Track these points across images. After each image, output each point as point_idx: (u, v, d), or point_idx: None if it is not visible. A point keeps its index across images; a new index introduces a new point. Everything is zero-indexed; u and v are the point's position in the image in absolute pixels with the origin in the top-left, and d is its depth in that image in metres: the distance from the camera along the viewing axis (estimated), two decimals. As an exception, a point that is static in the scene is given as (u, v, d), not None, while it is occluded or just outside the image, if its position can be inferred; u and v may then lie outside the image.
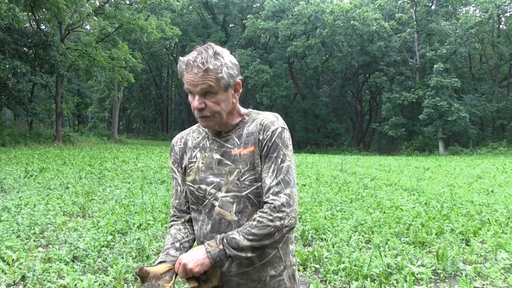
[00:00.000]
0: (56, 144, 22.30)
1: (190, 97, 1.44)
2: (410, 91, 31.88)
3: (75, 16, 24.51)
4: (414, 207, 6.73)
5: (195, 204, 1.53)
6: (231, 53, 1.49)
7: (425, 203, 7.13)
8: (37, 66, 22.40)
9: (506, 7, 30.82)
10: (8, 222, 5.15)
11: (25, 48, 22.52)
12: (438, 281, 3.78)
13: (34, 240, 4.64)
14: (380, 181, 10.56)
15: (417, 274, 3.74)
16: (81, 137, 27.50)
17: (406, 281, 3.56)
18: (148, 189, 8.25)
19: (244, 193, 1.42)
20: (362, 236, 5.03)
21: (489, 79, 37.29)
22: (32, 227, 5.05)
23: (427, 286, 3.60)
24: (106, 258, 4.03)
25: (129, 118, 52.67)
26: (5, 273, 3.63)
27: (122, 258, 4.05)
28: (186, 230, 1.57)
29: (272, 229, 1.34)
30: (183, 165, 1.56)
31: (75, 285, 3.39)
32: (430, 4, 32.77)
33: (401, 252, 4.35)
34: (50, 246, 4.48)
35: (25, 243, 4.48)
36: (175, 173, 1.62)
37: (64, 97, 26.74)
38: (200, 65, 1.35)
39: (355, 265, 3.88)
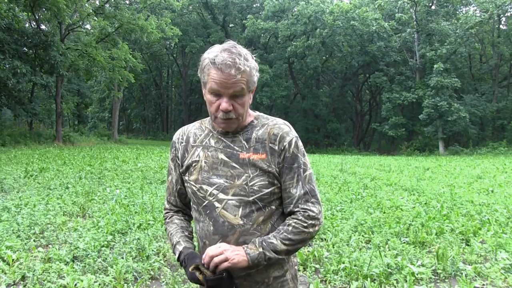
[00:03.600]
0: (56, 144, 22.30)
1: (210, 97, 1.37)
2: (410, 91, 31.88)
3: (75, 16, 24.52)
4: (414, 207, 6.73)
5: (195, 204, 1.50)
6: None
7: (425, 203, 7.13)
8: (37, 66, 22.40)
9: (506, 7, 30.80)
10: (8, 222, 5.15)
11: (25, 48, 22.52)
12: (438, 281, 3.78)
13: (34, 240, 4.64)
14: (380, 181, 10.56)
15: (417, 274, 3.74)
16: (81, 137, 27.49)
17: (406, 281, 3.56)
18: (148, 189, 8.25)
19: (251, 198, 1.40)
20: (362, 236, 5.03)
21: (489, 79, 37.29)
22: (32, 227, 5.05)
23: (427, 286, 3.60)
24: (106, 258, 4.03)
25: (129, 118, 52.67)
26: (5, 273, 3.63)
27: (122, 258, 4.05)
28: (186, 221, 1.61)
29: (307, 235, 1.43)
30: (184, 164, 1.51)
31: (75, 285, 3.39)
32: (430, 4, 32.76)
33: (401, 252, 4.35)
34: (50, 246, 4.48)
35: (25, 243, 4.47)
36: (172, 170, 1.59)
37: (64, 97, 26.74)
38: (239, 66, 1.31)
39: (355, 265, 3.88)
